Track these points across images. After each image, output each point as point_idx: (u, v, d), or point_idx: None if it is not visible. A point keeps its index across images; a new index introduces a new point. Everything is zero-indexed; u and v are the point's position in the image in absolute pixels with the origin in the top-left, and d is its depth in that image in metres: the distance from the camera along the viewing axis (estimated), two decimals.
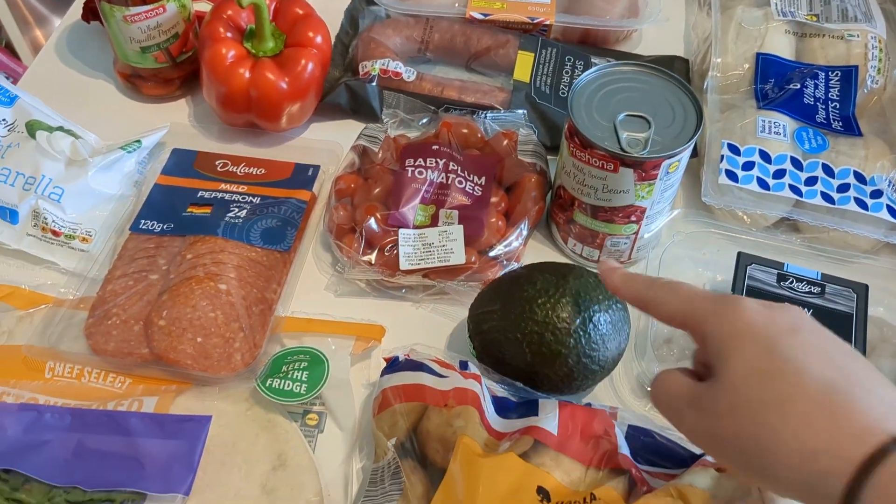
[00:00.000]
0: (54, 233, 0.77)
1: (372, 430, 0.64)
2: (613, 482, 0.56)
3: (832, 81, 0.86)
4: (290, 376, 0.67)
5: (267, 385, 0.66)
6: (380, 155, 0.81)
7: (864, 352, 0.68)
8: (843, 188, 0.78)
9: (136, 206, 0.80)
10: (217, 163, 0.83)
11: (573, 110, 0.70)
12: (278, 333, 0.72)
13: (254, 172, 0.83)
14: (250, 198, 0.80)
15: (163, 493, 0.60)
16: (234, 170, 0.83)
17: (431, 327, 0.75)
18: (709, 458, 0.59)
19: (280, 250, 0.76)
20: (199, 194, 0.80)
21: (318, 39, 0.84)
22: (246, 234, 0.76)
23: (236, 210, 0.78)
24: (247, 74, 0.82)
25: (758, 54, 0.88)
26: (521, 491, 0.54)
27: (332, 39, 0.92)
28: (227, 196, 0.80)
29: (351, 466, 0.66)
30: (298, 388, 0.66)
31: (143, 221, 0.78)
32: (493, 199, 0.77)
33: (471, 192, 0.77)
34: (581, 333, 0.64)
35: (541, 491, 0.55)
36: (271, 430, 0.66)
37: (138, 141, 0.83)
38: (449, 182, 0.77)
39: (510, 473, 0.55)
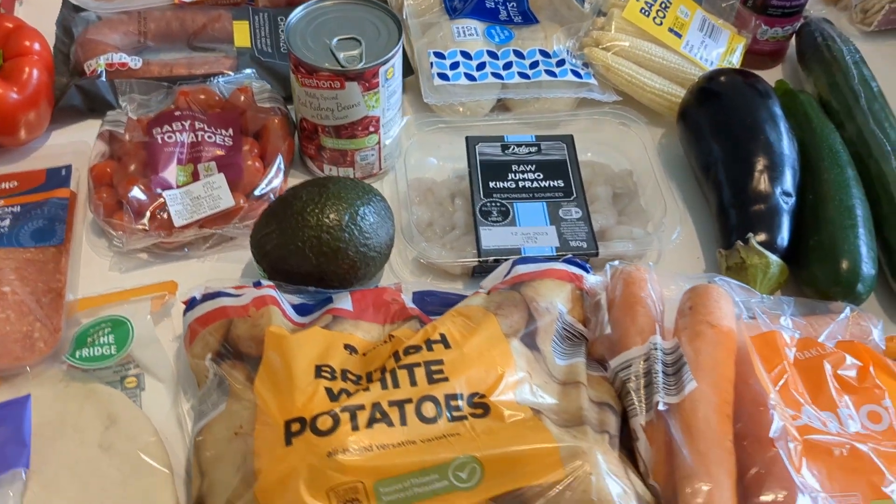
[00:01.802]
0: None
1: (190, 366, 0.69)
2: (406, 325, 0.65)
3: None
4: (97, 343, 0.70)
5: (77, 356, 0.69)
6: (127, 136, 0.84)
7: (581, 184, 0.82)
8: (534, 65, 0.92)
9: None
10: None
11: (291, 44, 0.79)
12: (75, 315, 0.74)
13: (6, 187, 0.84)
14: (10, 209, 0.81)
15: (2, 474, 0.61)
16: None
17: (221, 276, 0.80)
18: (480, 289, 0.70)
19: (54, 245, 0.78)
20: None
21: (37, 46, 0.86)
22: (15, 238, 0.78)
23: None
24: None
25: None
26: (331, 350, 0.61)
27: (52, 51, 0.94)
28: None
29: (180, 409, 0.70)
30: (108, 350, 0.70)
31: None
32: (245, 147, 0.84)
33: (222, 143, 0.83)
34: (353, 227, 0.72)
35: (347, 347, 0.63)
36: (94, 397, 0.69)
37: None
38: (199, 140, 0.83)
39: (318, 341, 0.62)
